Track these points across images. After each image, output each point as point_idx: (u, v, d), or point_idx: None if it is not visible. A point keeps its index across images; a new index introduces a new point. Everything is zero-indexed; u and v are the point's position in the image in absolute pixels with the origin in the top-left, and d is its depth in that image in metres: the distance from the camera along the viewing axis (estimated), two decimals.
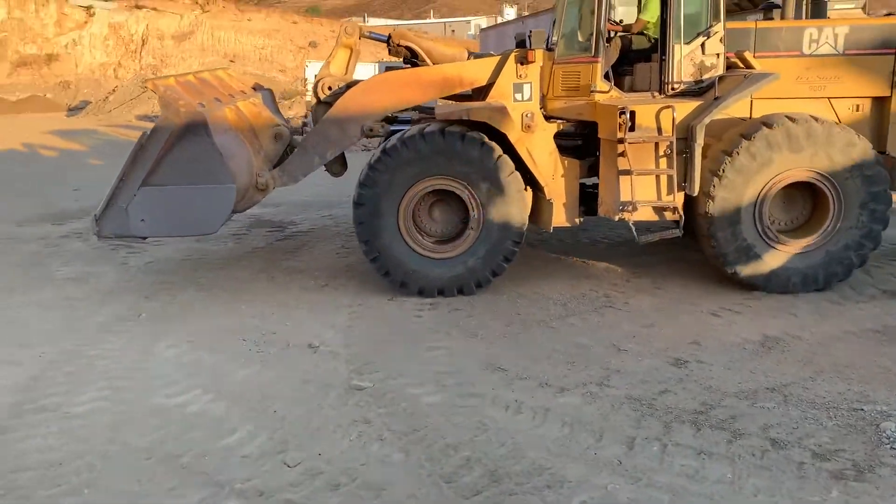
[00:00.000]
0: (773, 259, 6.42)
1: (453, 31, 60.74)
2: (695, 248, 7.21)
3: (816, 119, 6.26)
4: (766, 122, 6.27)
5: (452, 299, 6.49)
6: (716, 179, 6.26)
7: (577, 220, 6.72)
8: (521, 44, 6.65)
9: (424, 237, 6.68)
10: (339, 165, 7.17)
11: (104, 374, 5.00)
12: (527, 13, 48.39)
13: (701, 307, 6.22)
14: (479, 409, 4.48)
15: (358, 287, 6.87)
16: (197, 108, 5.98)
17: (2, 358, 5.27)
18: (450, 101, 7.08)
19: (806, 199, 6.60)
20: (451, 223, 6.76)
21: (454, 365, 5.14)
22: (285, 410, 4.48)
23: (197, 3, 39.60)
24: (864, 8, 11.29)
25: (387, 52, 7.37)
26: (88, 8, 36.10)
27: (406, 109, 7.08)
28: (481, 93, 6.75)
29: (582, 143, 6.96)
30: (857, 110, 6.73)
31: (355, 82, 6.84)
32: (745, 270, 6.41)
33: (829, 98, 6.68)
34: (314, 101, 7.01)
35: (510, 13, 59.91)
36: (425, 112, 7.16)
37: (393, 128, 6.93)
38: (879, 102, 6.71)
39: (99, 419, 4.37)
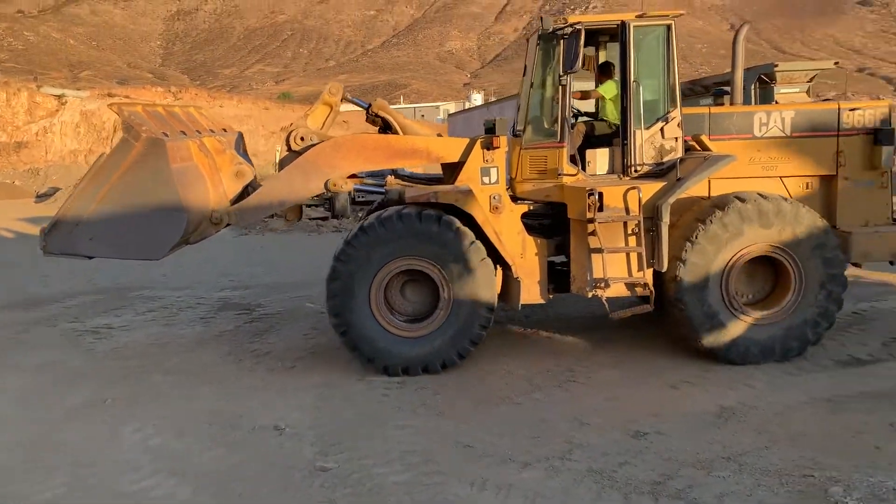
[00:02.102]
0: (736, 329, 6.63)
1: (423, 115, 62.33)
2: (658, 323, 7.42)
3: (765, 197, 6.57)
4: (739, 197, 6.58)
5: (420, 378, 6.57)
6: (688, 245, 6.52)
7: (547, 297, 6.92)
8: (489, 130, 6.96)
9: (396, 315, 6.78)
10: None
11: (69, 461, 4.98)
12: (493, 99, 50.00)
13: (662, 379, 6.38)
14: (444, 486, 4.54)
15: (326, 368, 6.92)
16: (157, 135, 6.02)
17: None
18: (419, 185, 7.31)
19: (768, 274, 6.87)
20: (422, 303, 6.86)
21: (420, 443, 5.20)
22: (250, 493, 4.50)
23: (170, 90, 40.38)
24: (808, 92, 11.98)
25: (364, 119, 7.59)
26: (60, 97, 36.64)
27: (374, 173, 7.29)
28: (452, 171, 7.03)
29: (550, 222, 7.21)
30: (808, 188, 7.10)
31: (328, 138, 7.05)
32: (709, 338, 6.61)
33: (780, 177, 7.04)
34: (284, 150, 7.11)
35: (477, 99, 61.86)
36: (402, 178, 7.35)
37: (357, 187, 7.08)
38: (826, 181, 7.09)
39: None
